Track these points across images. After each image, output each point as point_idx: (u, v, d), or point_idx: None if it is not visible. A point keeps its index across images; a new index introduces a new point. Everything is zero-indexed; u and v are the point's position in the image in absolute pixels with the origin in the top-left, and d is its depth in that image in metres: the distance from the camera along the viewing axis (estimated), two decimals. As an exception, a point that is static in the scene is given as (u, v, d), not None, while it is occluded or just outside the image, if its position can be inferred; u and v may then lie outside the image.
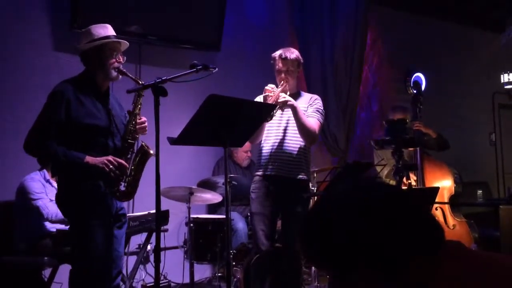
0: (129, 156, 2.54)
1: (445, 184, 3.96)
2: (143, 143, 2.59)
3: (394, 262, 0.90)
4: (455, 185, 3.98)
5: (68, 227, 3.26)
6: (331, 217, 0.95)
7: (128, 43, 2.62)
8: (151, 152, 2.56)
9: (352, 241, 0.91)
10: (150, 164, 2.49)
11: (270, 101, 2.93)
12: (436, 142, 4.18)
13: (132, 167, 2.54)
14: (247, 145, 4.04)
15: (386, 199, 0.96)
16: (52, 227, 3.36)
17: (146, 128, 2.60)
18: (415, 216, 0.95)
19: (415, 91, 4.15)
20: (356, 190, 0.99)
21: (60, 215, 3.27)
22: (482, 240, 4.10)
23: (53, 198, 3.33)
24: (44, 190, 3.40)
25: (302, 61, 3.20)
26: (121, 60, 2.55)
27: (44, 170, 3.49)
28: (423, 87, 6.16)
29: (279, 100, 2.93)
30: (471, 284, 0.86)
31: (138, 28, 4.22)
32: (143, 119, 2.59)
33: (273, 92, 2.96)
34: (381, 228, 0.91)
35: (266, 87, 3.00)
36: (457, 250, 0.93)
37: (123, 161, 2.47)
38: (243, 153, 4.60)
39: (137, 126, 2.55)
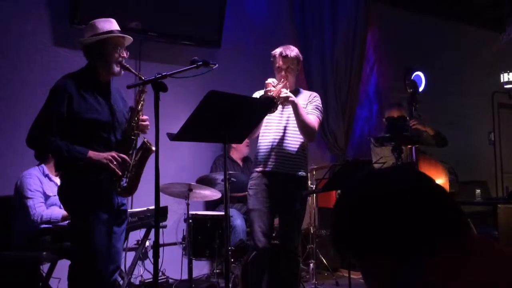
0: (131, 152, 2.54)
1: (439, 181, 3.96)
2: (145, 140, 2.59)
3: (421, 246, 0.89)
4: (449, 183, 3.98)
5: (51, 225, 3.28)
6: (360, 203, 0.95)
7: (132, 38, 2.61)
8: (153, 148, 2.56)
9: (380, 226, 0.91)
10: (150, 160, 2.50)
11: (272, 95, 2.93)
12: (435, 139, 4.17)
13: (134, 163, 2.55)
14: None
15: (410, 183, 0.95)
16: (41, 226, 3.34)
17: (148, 127, 2.60)
18: (437, 204, 0.93)
19: (411, 90, 4.15)
20: (381, 176, 0.99)
21: (45, 216, 3.28)
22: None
23: (51, 194, 3.35)
24: (40, 187, 3.38)
25: (301, 58, 3.21)
26: (124, 55, 2.55)
27: (43, 165, 3.48)
28: (422, 86, 6.15)
29: (280, 96, 2.93)
30: (499, 284, 0.84)
31: (139, 24, 4.21)
32: (146, 117, 2.58)
33: (275, 87, 2.96)
34: (407, 211, 0.91)
35: (267, 81, 3.00)
36: (486, 245, 0.91)
37: (126, 157, 2.47)
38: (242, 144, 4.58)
39: (139, 123, 2.55)
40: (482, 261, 0.87)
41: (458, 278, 0.85)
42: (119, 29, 2.57)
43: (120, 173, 2.45)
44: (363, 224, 0.92)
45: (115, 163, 2.41)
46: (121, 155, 2.45)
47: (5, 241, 3.34)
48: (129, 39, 2.59)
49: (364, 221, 0.93)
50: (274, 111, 2.92)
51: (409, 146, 3.92)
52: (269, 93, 2.91)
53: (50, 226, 3.31)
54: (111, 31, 2.52)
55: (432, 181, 0.97)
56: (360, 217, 0.93)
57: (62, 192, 2.52)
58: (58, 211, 3.31)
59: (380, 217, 0.91)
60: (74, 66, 2.62)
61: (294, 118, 3.05)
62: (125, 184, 2.52)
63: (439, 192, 0.95)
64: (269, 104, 2.83)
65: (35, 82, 3.82)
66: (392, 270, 0.92)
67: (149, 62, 4.32)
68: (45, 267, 3.40)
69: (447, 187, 3.97)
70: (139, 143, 2.61)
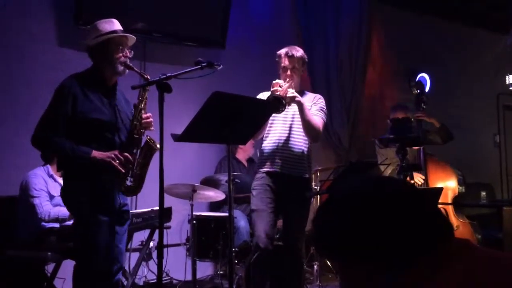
0: (134, 151, 2.55)
1: (449, 184, 3.95)
2: (148, 138, 2.59)
3: (398, 256, 0.92)
4: (459, 186, 3.97)
5: (59, 225, 3.29)
6: (340, 210, 0.98)
7: (135, 38, 2.62)
8: (158, 146, 2.56)
9: (358, 235, 0.94)
10: (154, 160, 2.50)
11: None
12: (439, 133, 4.14)
13: (138, 162, 2.55)
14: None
15: (391, 194, 0.98)
16: (48, 225, 3.36)
17: (152, 124, 2.60)
18: (420, 211, 0.96)
19: (418, 91, 4.14)
20: (362, 185, 1.02)
21: (53, 214, 3.29)
22: (485, 241, 4.09)
23: (55, 194, 3.36)
24: (45, 187, 3.40)
25: (307, 60, 3.21)
26: (128, 54, 2.55)
27: (48, 166, 3.50)
28: (427, 88, 6.14)
29: (287, 95, 2.93)
30: (475, 284, 0.86)
31: (143, 25, 4.22)
32: (148, 114, 2.59)
33: (281, 87, 2.96)
34: (385, 222, 0.93)
35: (274, 82, 2.99)
36: (465, 249, 0.93)
37: (128, 155, 2.47)
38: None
39: (142, 121, 2.56)
40: (461, 263, 0.89)
41: (436, 279, 0.88)
42: (121, 29, 2.58)
43: (123, 171, 2.45)
44: (366, 225, 0.94)
45: (117, 161, 2.42)
46: (124, 153, 2.46)
47: (10, 241, 3.35)
48: (132, 38, 2.60)
49: (367, 222, 0.94)
50: (282, 111, 2.91)
51: (415, 148, 3.91)
52: (276, 93, 2.91)
53: (57, 225, 3.33)
54: (114, 31, 2.53)
55: (420, 190, 1.03)
56: (364, 218, 0.95)
57: (64, 192, 2.54)
58: (65, 209, 3.32)
59: (382, 219, 0.93)
60: (79, 66, 2.63)
61: (299, 119, 3.04)
62: (130, 183, 2.52)
63: (428, 200, 1.00)
64: (277, 104, 2.83)
65: (40, 82, 3.83)
66: (378, 273, 0.94)
67: (154, 63, 4.33)
68: (50, 267, 3.41)
69: (456, 189, 3.95)
70: (143, 142, 2.62)
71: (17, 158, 3.72)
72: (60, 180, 3.43)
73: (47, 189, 3.41)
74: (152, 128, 2.61)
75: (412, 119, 3.76)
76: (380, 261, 0.93)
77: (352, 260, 0.95)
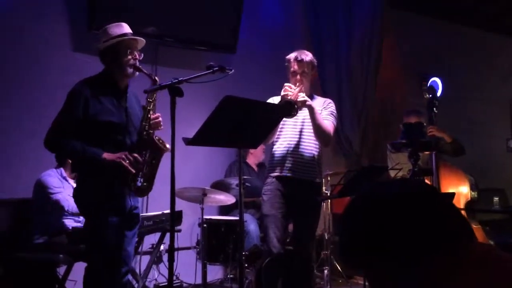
0: (144, 152, 2.57)
1: (461, 190, 3.91)
2: (157, 138, 2.61)
3: (406, 255, 0.92)
4: (471, 192, 3.93)
5: (71, 227, 3.33)
6: (361, 215, 1.00)
7: (144, 40, 2.65)
8: (167, 146, 2.58)
9: (370, 235, 0.95)
10: (165, 164, 2.51)
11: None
12: (452, 147, 4.12)
13: (147, 162, 2.57)
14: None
15: (399, 195, 0.99)
16: (71, 220, 3.40)
17: (161, 124, 2.62)
18: (428, 212, 0.96)
19: (430, 96, 4.11)
20: (373, 188, 1.04)
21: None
22: (498, 247, 4.03)
23: (70, 194, 3.40)
24: (61, 185, 3.47)
25: (316, 64, 3.20)
26: (138, 57, 2.59)
27: (61, 168, 3.54)
28: (439, 92, 6.08)
29: (298, 100, 2.93)
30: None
31: (155, 29, 4.25)
32: (157, 114, 2.61)
33: (292, 91, 2.95)
34: (394, 222, 0.94)
35: (285, 85, 2.99)
36: (487, 255, 0.92)
37: (138, 156, 2.49)
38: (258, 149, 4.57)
39: (151, 122, 2.58)
40: (479, 266, 0.89)
41: (455, 279, 0.88)
42: (131, 32, 2.62)
43: (134, 171, 2.47)
44: (375, 225, 0.95)
45: (127, 161, 2.44)
46: (133, 154, 2.48)
47: (22, 243, 3.39)
48: (141, 41, 2.64)
49: (376, 223, 0.96)
50: (294, 116, 2.91)
51: (427, 152, 3.88)
52: (287, 97, 2.91)
53: (69, 227, 3.36)
54: (123, 34, 2.57)
55: (437, 192, 1.02)
56: (373, 219, 0.96)
57: (76, 194, 2.57)
58: None
59: (389, 221, 0.95)
60: (92, 71, 2.66)
61: (309, 123, 3.04)
62: (140, 184, 2.54)
63: (443, 201, 0.99)
64: (289, 108, 2.82)
65: (53, 86, 3.87)
66: (394, 277, 0.95)
67: (166, 67, 4.35)
68: (61, 270, 3.44)
69: (469, 194, 3.91)
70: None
71: (30, 160, 3.77)
72: (72, 182, 3.48)
73: (63, 188, 3.47)
74: (161, 127, 2.62)
75: (425, 124, 3.74)
76: (391, 261, 0.93)
77: (366, 262, 0.96)
